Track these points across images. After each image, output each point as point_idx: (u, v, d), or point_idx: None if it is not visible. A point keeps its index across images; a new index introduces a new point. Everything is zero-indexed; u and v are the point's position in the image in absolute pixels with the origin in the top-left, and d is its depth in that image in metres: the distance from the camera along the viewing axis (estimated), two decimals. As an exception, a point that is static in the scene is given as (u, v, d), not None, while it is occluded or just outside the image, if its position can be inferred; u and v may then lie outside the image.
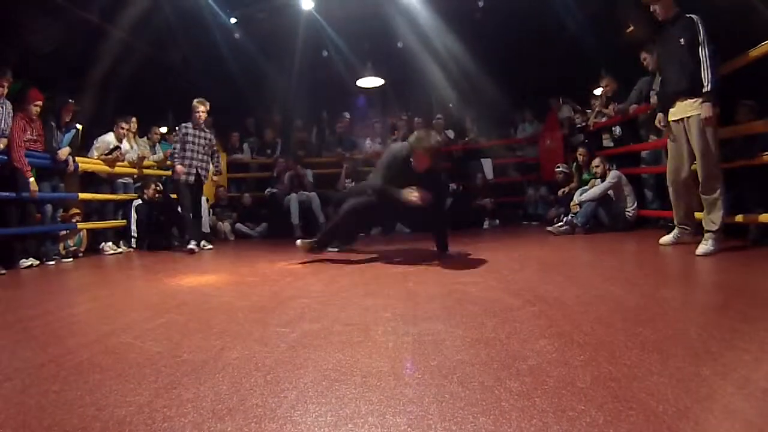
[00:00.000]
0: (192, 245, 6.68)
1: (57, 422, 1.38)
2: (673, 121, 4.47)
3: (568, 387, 1.41)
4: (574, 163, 7.95)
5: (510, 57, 10.64)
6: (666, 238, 4.73)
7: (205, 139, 7.09)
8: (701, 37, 4.11)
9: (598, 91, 8.25)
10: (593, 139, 8.05)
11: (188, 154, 6.89)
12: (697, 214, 4.51)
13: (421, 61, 10.96)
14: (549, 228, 6.84)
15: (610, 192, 6.60)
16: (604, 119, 7.63)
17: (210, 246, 7.29)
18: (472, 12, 10.22)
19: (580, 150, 7.79)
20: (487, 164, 10.01)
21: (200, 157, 7.01)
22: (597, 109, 7.86)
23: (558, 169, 8.21)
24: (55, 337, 2.37)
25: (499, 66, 10.50)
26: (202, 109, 6.95)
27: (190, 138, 6.90)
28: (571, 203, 6.98)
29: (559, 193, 8.01)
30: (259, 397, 1.47)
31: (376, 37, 10.89)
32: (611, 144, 7.62)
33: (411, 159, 4.47)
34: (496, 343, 1.86)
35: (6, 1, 7.27)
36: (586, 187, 7.01)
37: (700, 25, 4.14)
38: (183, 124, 6.95)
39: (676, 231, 4.68)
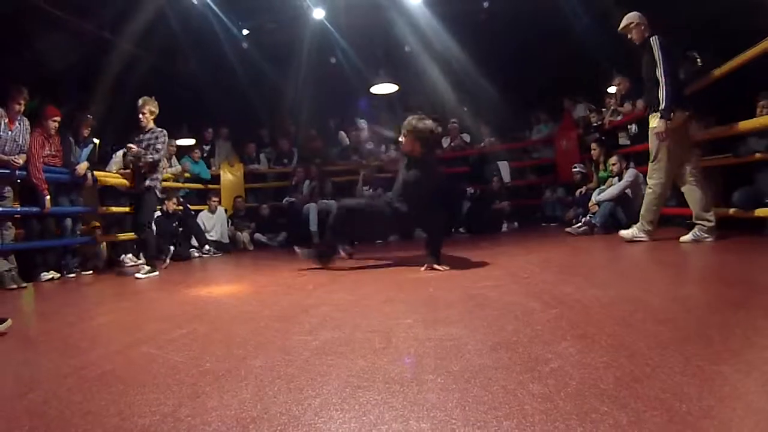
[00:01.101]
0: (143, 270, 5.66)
1: (81, 432, 1.41)
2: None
3: (591, 389, 1.40)
4: (593, 163, 7.89)
5: (521, 58, 10.62)
6: (686, 237, 4.70)
7: (141, 142, 5.69)
8: (657, 57, 4.48)
9: (612, 89, 8.20)
10: (609, 137, 7.99)
11: None
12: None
13: (433, 65, 10.96)
14: (568, 229, 6.80)
15: (628, 191, 6.55)
16: (619, 117, 7.59)
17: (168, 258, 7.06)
18: (482, 14, 10.22)
19: (593, 145, 7.74)
20: (504, 167, 9.93)
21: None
22: (612, 107, 7.82)
23: (575, 170, 8.15)
24: (77, 348, 2.41)
25: (510, 68, 10.50)
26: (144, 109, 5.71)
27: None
28: (590, 203, 6.93)
29: (577, 193, 7.95)
30: (282, 405, 1.48)
31: (388, 43, 10.89)
32: (627, 142, 7.56)
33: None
34: (518, 346, 1.85)
35: (18, 18, 7.38)
36: (603, 187, 6.96)
37: (655, 48, 4.51)
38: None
39: (695, 229, 4.66)
